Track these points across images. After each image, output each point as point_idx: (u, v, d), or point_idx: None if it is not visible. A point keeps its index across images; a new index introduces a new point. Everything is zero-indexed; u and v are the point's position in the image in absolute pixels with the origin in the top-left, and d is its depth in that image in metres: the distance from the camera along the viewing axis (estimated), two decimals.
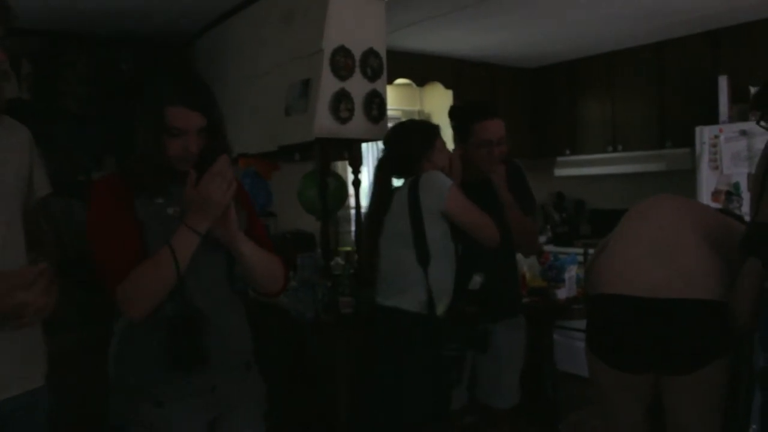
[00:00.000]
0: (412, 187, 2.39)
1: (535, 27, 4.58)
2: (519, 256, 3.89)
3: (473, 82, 5.45)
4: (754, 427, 2.35)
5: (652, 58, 5.06)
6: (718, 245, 2.23)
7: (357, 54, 3.05)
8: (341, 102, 2.95)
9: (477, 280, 2.46)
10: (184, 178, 1.64)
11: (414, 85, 5.40)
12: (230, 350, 1.82)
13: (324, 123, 2.95)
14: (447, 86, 5.40)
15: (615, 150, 5.33)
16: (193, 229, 1.64)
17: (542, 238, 5.32)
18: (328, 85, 2.96)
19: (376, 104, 3.06)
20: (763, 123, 2.06)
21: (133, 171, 1.71)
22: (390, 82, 5.12)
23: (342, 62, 2.98)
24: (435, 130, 2.57)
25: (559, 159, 5.75)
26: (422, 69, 5.30)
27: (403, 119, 5.43)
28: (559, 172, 5.74)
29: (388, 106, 5.37)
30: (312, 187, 3.17)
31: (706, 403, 2.21)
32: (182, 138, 1.66)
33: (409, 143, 2.51)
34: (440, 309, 2.39)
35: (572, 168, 5.66)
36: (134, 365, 1.73)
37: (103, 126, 3.99)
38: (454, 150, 2.66)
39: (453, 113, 2.79)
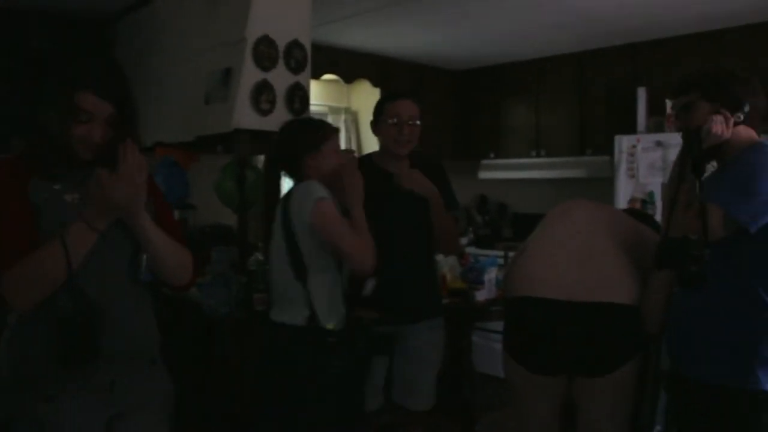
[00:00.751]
0: (286, 197, 2.25)
1: (462, 29, 4.59)
2: (440, 257, 3.90)
3: (401, 81, 5.43)
4: (658, 428, 2.40)
5: (576, 67, 5.17)
6: (631, 251, 2.26)
7: (281, 45, 2.98)
8: (263, 93, 2.87)
9: (369, 285, 2.35)
10: (85, 165, 1.56)
11: (341, 81, 5.34)
12: (131, 344, 1.72)
13: (244, 114, 2.86)
14: (375, 84, 5.37)
15: (538, 155, 5.41)
16: (90, 224, 1.55)
17: (464, 240, 5.35)
18: (250, 75, 2.88)
19: (298, 97, 2.99)
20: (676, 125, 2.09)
21: (33, 153, 1.61)
22: (317, 77, 5.06)
23: (265, 52, 2.90)
24: (324, 131, 2.36)
25: (484, 162, 5.80)
26: (350, 65, 5.25)
27: (329, 115, 5.47)
28: (483, 174, 5.78)
29: (315, 102, 5.34)
30: (230, 179, 3.07)
31: (617, 403, 2.23)
32: (88, 125, 1.58)
33: (294, 144, 2.33)
34: (332, 323, 2.23)
35: (496, 171, 5.72)
36: (24, 359, 1.62)
37: (10, 105, 3.76)
38: (346, 154, 2.59)
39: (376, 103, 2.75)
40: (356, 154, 2.69)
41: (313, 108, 5.37)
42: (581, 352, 2.18)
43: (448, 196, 2.72)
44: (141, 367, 1.77)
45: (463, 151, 5.88)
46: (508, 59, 5.52)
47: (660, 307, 2.16)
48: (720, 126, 1.90)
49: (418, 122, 2.60)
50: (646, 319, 2.19)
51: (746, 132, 1.97)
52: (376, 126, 2.65)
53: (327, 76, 5.19)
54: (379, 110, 2.65)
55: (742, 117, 1.94)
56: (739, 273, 1.87)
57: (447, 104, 5.91)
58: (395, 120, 2.56)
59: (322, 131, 2.34)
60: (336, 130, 2.41)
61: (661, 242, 1.97)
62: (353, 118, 5.78)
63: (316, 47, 4.82)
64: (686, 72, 2.06)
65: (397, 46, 5.08)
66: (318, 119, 2.47)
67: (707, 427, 1.95)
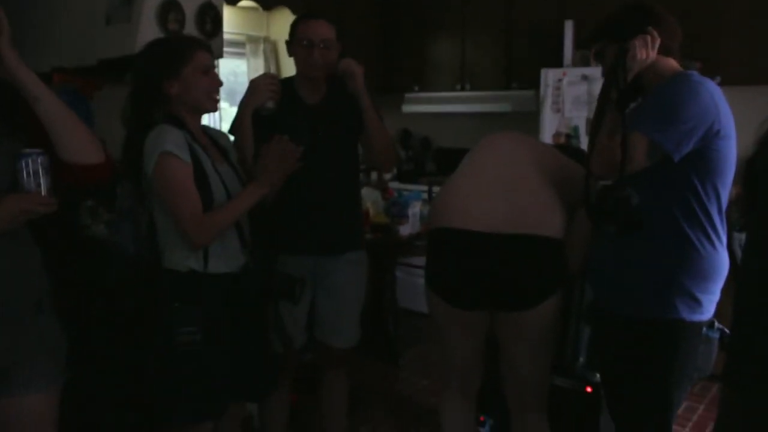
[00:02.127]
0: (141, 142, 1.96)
1: None
2: (364, 192, 3.81)
3: (322, 9, 5.15)
4: (581, 359, 2.44)
5: None
6: (556, 184, 2.21)
7: None
8: (170, 12, 2.63)
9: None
10: None
11: (260, 9, 5.06)
12: (11, 289, 1.55)
13: (149, 35, 2.59)
14: (295, 12, 5.09)
15: (463, 89, 5.33)
16: None
17: (387, 175, 5.27)
18: None
19: (210, 17, 2.75)
20: (598, 56, 2.04)
21: None
22: (234, 3, 4.78)
23: None
24: (182, 50, 1.98)
25: (407, 95, 5.67)
26: None
27: (246, 44, 5.19)
28: (407, 108, 5.67)
29: (231, 30, 5.08)
30: None
31: (539, 338, 2.22)
32: None
33: (147, 70, 1.99)
34: (214, 265, 2.02)
35: (420, 105, 5.62)
36: None
37: None
38: (265, 78, 2.42)
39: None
40: (275, 77, 2.49)
41: (229, 36, 5.16)
42: (503, 286, 2.14)
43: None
44: (25, 314, 1.61)
45: (387, 85, 5.73)
46: None
47: (583, 244, 2.14)
48: (643, 49, 1.85)
49: (332, 45, 2.44)
50: (570, 257, 2.17)
51: (667, 62, 1.94)
52: (290, 48, 2.50)
53: (244, 3, 4.89)
54: (292, 31, 2.50)
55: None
56: (660, 205, 1.86)
57: (370, 36, 5.70)
58: (306, 42, 2.41)
59: (180, 50, 1.98)
60: (202, 46, 2.06)
61: (595, 194, 1.92)
62: (273, 47, 5.52)
63: None
64: (612, 5, 1.99)
65: None
66: (183, 36, 2.18)
67: (628, 357, 1.98)
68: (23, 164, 1.50)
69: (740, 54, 4.02)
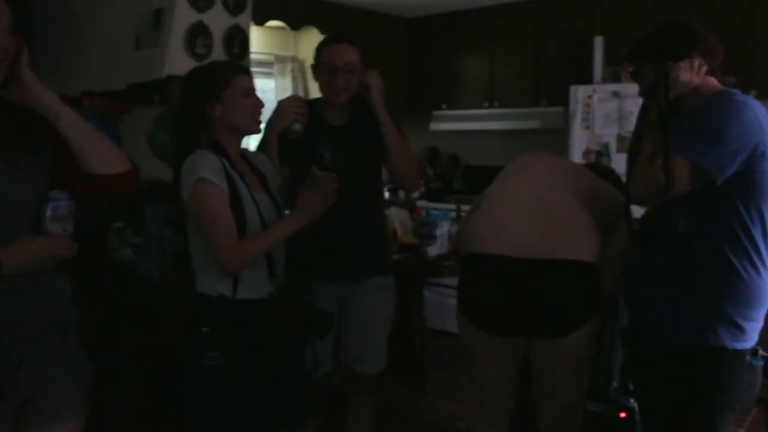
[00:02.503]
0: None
1: None
2: (391, 211, 3.78)
3: (350, 28, 5.19)
4: (614, 384, 2.37)
5: (532, 15, 5.02)
6: (590, 206, 2.16)
7: None
8: (198, 36, 2.64)
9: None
10: None
11: (288, 28, 5.09)
12: (37, 316, 1.54)
13: (178, 59, 2.63)
14: (323, 32, 5.12)
15: (491, 106, 5.29)
16: None
17: (415, 194, 5.24)
18: (184, 16, 2.64)
19: (238, 41, 2.76)
20: (636, 76, 1.99)
21: None
22: (261, 23, 4.81)
23: None
24: (224, 74, 2.00)
25: (435, 113, 5.65)
26: (297, 11, 4.99)
27: (274, 64, 5.22)
28: (435, 126, 5.65)
29: (259, 50, 5.11)
30: (163, 131, 2.84)
31: (574, 365, 2.17)
32: None
33: (189, 94, 2.00)
34: (242, 292, 1.99)
35: (448, 123, 5.59)
36: None
37: None
38: (291, 101, 2.39)
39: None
40: (302, 100, 2.47)
41: (257, 56, 5.19)
42: (540, 313, 2.09)
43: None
44: (51, 342, 1.59)
45: (414, 102, 5.73)
46: (461, 6, 5.33)
47: (618, 266, 2.08)
48: (687, 72, 1.80)
49: (355, 68, 2.42)
50: (605, 278, 2.11)
51: (708, 82, 1.87)
52: (315, 72, 2.49)
53: (272, 23, 4.93)
54: (316, 55, 2.47)
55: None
56: (701, 228, 1.80)
57: (398, 53, 5.72)
58: (329, 67, 2.39)
59: (222, 74, 1.99)
60: (242, 70, 2.07)
61: (641, 221, 1.86)
62: (300, 67, 5.54)
63: None
64: (643, 20, 1.94)
65: None
66: (223, 61, 2.18)
67: (667, 385, 1.91)
68: (50, 207, 1.50)
69: None
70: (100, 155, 1.57)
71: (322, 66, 2.42)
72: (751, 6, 4.02)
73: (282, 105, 2.41)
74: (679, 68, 1.80)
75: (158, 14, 2.71)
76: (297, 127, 2.38)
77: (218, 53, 2.71)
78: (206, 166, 1.89)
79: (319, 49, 2.46)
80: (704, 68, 1.83)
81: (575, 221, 2.12)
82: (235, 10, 2.75)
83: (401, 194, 4.85)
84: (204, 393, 2.00)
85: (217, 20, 2.70)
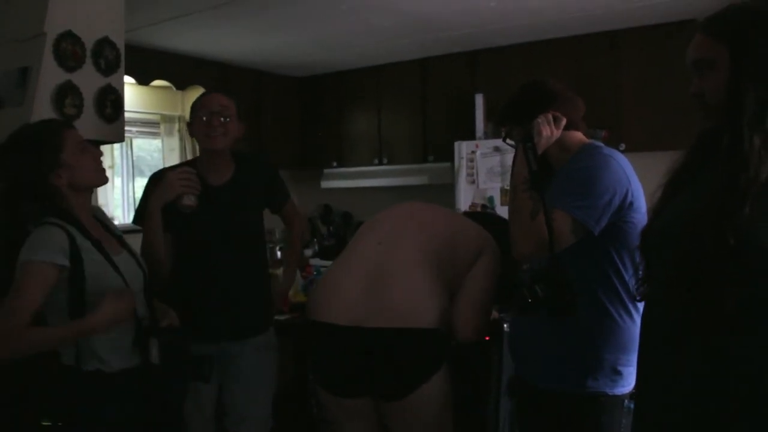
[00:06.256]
0: None
1: (297, 35, 4.43)
2: (280, 271, 3.70)
3: (239, 87, 5.16)
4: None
5: (417, 73, 5.17)
6: (438, 263, 2.18)
7: (88, 43, 2.61)
8: (67, 96, 2.51)
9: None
10: None
11: (174, 88, 5.00)
12: None
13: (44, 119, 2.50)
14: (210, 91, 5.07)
15: (381, 163, 5.36)
16: None
17: (308, 252, 5.19)
18: (51, 75, 2.51)
19: (110, 101, 2.65)
20: (509, 140, 2.06)
21: None
22: (146, 83, 4.71)
23: (69, 50, 2.53)
24: (57, 133, 1.88)
25: (326, 171, 5.67)
26: (183, 71, 4.92)
27: (161, 124, 5.11)
28: (326, 184, 5.66)
29: (145, 109, 4.99)
30: None
31: (423, 422, 2.15)
32: None
33: (22, 168, 1.84)
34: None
35: (339, 180, 5.61)
36: None
37: None
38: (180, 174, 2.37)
39: None
40: (192, 173, 2.42)
41: (143, 116, 5.06)
42: (372, 378, 2.09)
43: (279, 191, 2.64)
44: None
45: (306, 160, 5.73)
46: (349, 66, 5.42)
47: (479, 311, 2.15)
48: (546, 127, 1.87)
49: (230, 117, 2.41)
50: (461, 328, 2.14)
51: (573, 136, 1.96)
52: (191, 129, 2.46)
53: (157, 83, 4.83)
54: (191, 111, 2.47)
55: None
56: (580, 279, 1.84)
57: (289, 112, 5.73)
58: (204, 112, 2.37)
59: (53, 137, 1.86)
60: (67, 124, 2.00)
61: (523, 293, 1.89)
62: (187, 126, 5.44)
63: (147, 51, 4.50)
64: (518, 77, 2.04)
65: (232, 51, 4.83)
66: (45, 121, 2.00)
67: (549, 430, 1.94)
68: None
69: (641, 121, 4.18)
70: None
71: (197, 118, 2.39)
72: (618, 62, 4.28)
73: (169, 178, 2.35)
74: (537, 124, 1.87)
75: (24, 72, 2.58)
76: (189, 201, 2.33)
77: (89, 113, 2.59)
78: (40, 245, 1.76)
79: (194, 104, 2.45)
80: (563, 121, 1.90)
81: (411, 286, 2.13)
82: (107, 70, 2.64)
83: None
84: None
85: (88, 80, 2.59)
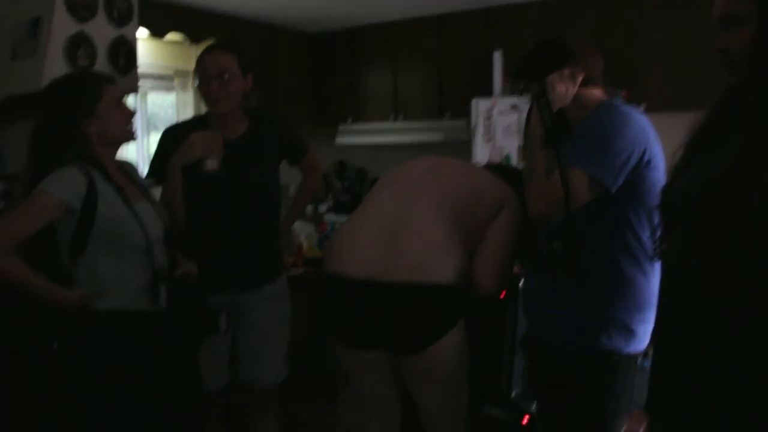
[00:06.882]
0: None
1: None
2: (297, 225, 3.72)
3: (251, 42, 5.09)
4: (516, 391, 2.38)
5: (434, 30, 5.06)
6: (458, 218, 2.14)
7: None
8: (79, 47, 2.50)
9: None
10: None
11: (188, 42, 4.94)
12: None
13: (56, 71, 2.48)
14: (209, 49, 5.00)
15: (396, 119, 5.31)
16: None
17: (323, 207, 5.19)
18: (63, 26, 2.49)
19: (123, 53, 2.63)
20: (525, 92, 2.02)
21: None
22: (160, 36, 4.65)
23: (80, 1, 2.51)
24: (94, 88, 1.95)
25: (341, 127, 5.62)
26: (196, 24, 4.83)
27: (175, 78, 5.08)
28: (341, 140, 5.61)
29: (158, 63, 4.96)
30: None
31: (438, 378, 2.15)
32: None
33: (60, 109, 1.93)
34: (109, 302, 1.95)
35: (354, 136, 5.56)
36: None
37: None
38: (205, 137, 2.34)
39: None
40: (216, 136, 2.39)
41: (157, 70, 5.03)
42: (388, 331, 2.08)
43: (296, 144, 2.61)
44: None
45: (320, 117, 5.68)
46: (363, 22, 5.32)
47: (500, 262, 2.12)
48: (560, 83, 1.83)
49: (230, 76, 2.34)
50: (481, 282, 2.12)
51: (591, 93, 1.91)
52: (197, 87, 2.43)
53: (172, 36, 4.78)
54: (194, 72, 2.43)
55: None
56: (594, 237, 1.81)
57: (303, 68, 5.65)
58: (202, 75, 2.33)
59: (93, 87, 1.96)
60: (109, 80, 2.05)
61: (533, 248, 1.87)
62: None
63: (160, 4, 4.44)
64: (538, 34, 2.01)
65: (246, 4, 4.75)
66: (89, 72, 2.12)
67: (564, 391, 1.93)
68: None
69: (663, 80, 4.09)
70: None
71: (198, 78, 2.36)
72: (640, 20, 4.18)
73: (191, 140, 2.32)
74: (552, 80, 1.82)
75: (35, 23, 2.55)
76: (212, 165, 2.32)
77: (102, 65, 2.57)
78: (56, 180, 1.84)
79: (196, 64, 2.40)
80: (580, 77, 1.85)
81: (429, 240, 2.09)
82: (119, 21, 2.62)
83: (308, 208, 4.79)
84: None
85: (101, 31, 2.57)
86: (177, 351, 2.09)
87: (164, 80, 5.21)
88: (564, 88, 1.83)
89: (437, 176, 2.28)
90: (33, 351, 2.28)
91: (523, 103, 4.15)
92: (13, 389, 2.38)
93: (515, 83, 2.08)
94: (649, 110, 3.65)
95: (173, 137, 2.40)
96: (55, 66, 2.48)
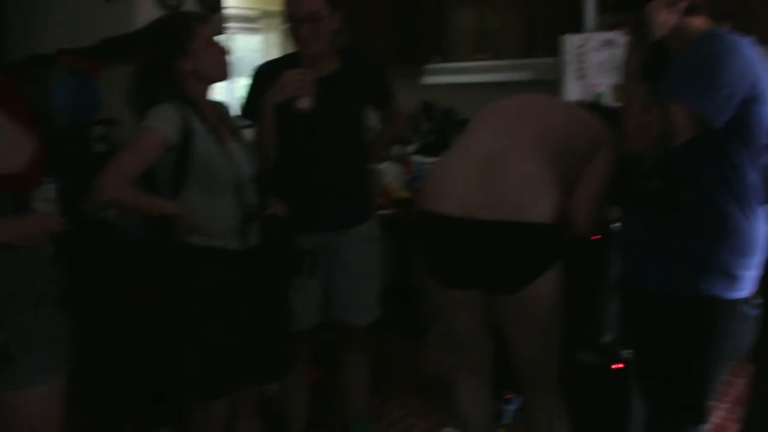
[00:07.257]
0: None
1: None
2: (385, 165, 3.73)
3: None
4: (609, 335, 2.33)
5: None
6: (560, 154, 2.08)
7: None
8: None
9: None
10: None
11: None
12: (14, 282, 1.55)
13: (147, 11, 2.53)
14: None
15: (484, 58, 5.17)
16: None
17: (410, 148, 5.17)
18: None
19: None
20: (622, 26, 1.91)
21: None
22: None
23: None
24: (187, 26, 1.99)
25: (428, 67, 5.53)
26: None
27: (261, 20, 5.10)
28: (427, 80, 5.53)
29: (244, 5, 4.98)
30: None
31: (534, 319, 2.11)
32: None
33: (156, 49, 1.99)
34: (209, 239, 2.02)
35: (440, 76, 5.46)
36: None
37: None
38: (297, 75, 2.32)
39: None
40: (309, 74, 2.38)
41: (242, 12, 5.06)
42: (482, 271, 2.05)
43: (385, 88, 2.59)
44: (23, 312, 1.59)
45: (406, 56, 5.59)
46: None
47: (592, 209, 2.07)
48: (661, 12, 1.71)
49: (322, 17, 2.31)
50: (578, 224, 2.06)
51: (694, 22, 1.78)
52: (286, 27, 2.41)
53: None
54: (282, 14, 2.41)
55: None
56: (697, 178, 1.73)
57: (387, 8, 5.56)
58: (291, 18, 2.31)
59: (186, 26, 2.00)
60: (202, 18, 2.09)
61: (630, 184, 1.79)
62: None
63: None
64: None
65: None
66: (183, 12, 2.16)
67: (661, 336, 1.88)
68: (41, 191, 1.60)
69: None
70: None
71: (287, 19, 2.34)
72: None
73: (283, 79, 2.32)
74: (651, 9, 1.70)
75: None
76: (305, 104, 2.31)
77: (190, 5, 2.60)
78: (157, 116, 1.91)
79: (285, 3, 2.38)
80: (682, 4, 1.73)
81: (526, 178, 2.03)
82: None
83: (395, 149, 4.78)
84: (181, 344, 2.03)
85: None
86: (268, 290, 2.15)
87: (251, 22, 5.24)
88: (665, 17, 1.72)
89: (533, 115, 2.21)
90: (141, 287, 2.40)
91: (618, 38, 3.97)
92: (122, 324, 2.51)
93: (612, 14, 1.97)
94: (759, 43, 3.41)
95: (265, 75, 2.41)
96: (147, 7, 2.52)
